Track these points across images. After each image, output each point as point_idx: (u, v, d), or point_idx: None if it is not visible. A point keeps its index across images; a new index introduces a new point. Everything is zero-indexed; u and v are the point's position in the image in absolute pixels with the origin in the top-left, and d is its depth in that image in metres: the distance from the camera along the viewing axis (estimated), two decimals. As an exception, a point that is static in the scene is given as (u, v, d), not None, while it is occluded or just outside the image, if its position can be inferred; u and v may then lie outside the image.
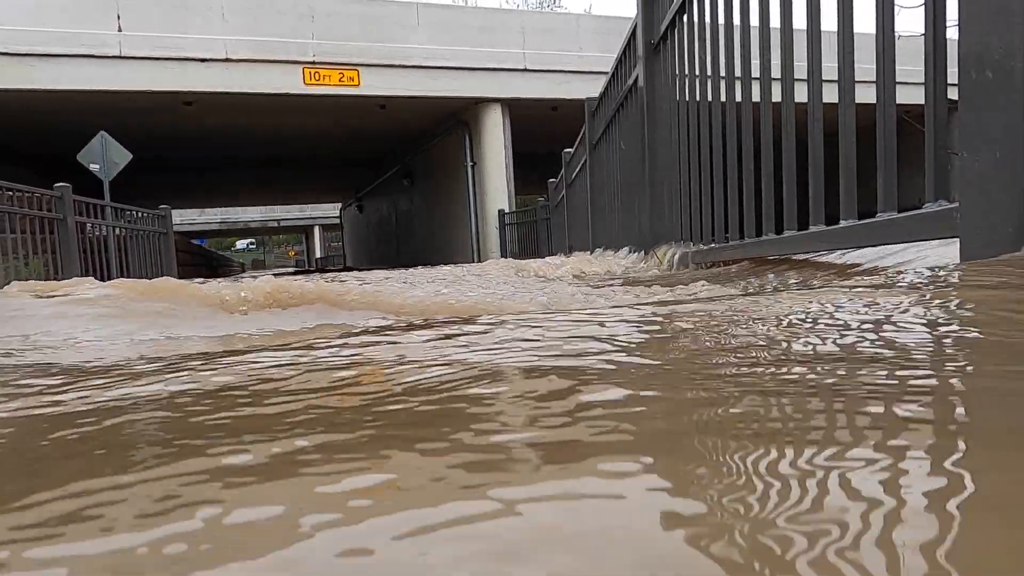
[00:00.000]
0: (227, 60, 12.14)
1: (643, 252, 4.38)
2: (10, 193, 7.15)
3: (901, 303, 1.08)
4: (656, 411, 0.58)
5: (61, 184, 8.13)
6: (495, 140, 14.42)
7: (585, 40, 14.38)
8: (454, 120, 15.17)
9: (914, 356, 0.74)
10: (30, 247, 7.45)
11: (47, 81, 11.15)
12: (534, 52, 14.16)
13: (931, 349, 0.79)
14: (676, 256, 3.69)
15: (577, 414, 0.57)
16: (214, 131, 15.48)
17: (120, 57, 11.48)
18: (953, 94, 1.70)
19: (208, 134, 15.76)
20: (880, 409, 0.54)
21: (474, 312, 1.92)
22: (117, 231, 9.85)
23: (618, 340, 0.92)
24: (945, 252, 1.70)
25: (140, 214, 10.79)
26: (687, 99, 3.55)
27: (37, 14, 11.01)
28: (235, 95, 12.49)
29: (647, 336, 1.03)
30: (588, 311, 1.34)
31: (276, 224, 47.22)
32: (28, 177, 8.33)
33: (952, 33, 1.70)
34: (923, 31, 1.73)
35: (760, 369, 0.71)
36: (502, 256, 13.58)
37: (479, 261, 13.42)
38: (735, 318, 1.10)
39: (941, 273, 1.39)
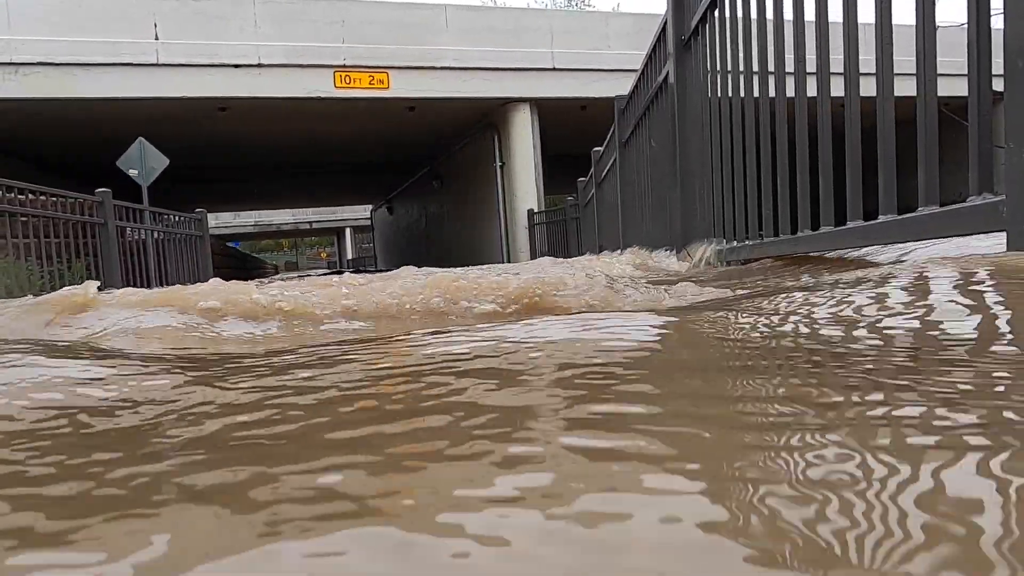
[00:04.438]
0: (260, 66, 12.35)
1: (675, 250, 4.34)
2: (53, 199, 7.36)
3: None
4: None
5: (102, 189, 8.34)
6: (524, 140, 14.43)
7: (614, 38, 14.31)
8: (483, 121, 15.21)
9: None
10: (72, 252, 7.66)
11: (88, 90, 11.46)
12: (562, 51, 14.13)
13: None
14: (709, 254, 3.65)
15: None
16: (248, 136, 15.75)
17: (157, 65, 11.75)
18: (997, 85, 1.65)
19: (242, 139, 16.04)
20: None
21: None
22: (155, 235, 10.07)
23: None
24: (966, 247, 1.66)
25: (177, 218, 11.02)
26: (719, 95, 3.51)
27: (78, 24, 11.32)
28: (268, 100, 12.70)
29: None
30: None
31: (308, 226, 47.89)
32: (67, 186, 8.55)
33: (996, 22, 1.66)
34: (965, 20, 1.69)
35: None
36: (531, 257, 13.58)
37: (508, 261, 13.43)
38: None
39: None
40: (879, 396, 0.63)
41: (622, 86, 6.93)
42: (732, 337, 1.08)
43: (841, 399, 0.62)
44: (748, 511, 0.40)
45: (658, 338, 1.02)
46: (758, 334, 1.06)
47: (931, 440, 0.50)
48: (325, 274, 9.16)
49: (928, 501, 0.40)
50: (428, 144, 18.05)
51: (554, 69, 14.11)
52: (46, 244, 7.04)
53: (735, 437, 0.54)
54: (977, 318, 0.99)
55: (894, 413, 0.57)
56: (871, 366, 0.77)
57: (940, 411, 0.56)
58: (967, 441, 0.49)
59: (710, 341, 1.05)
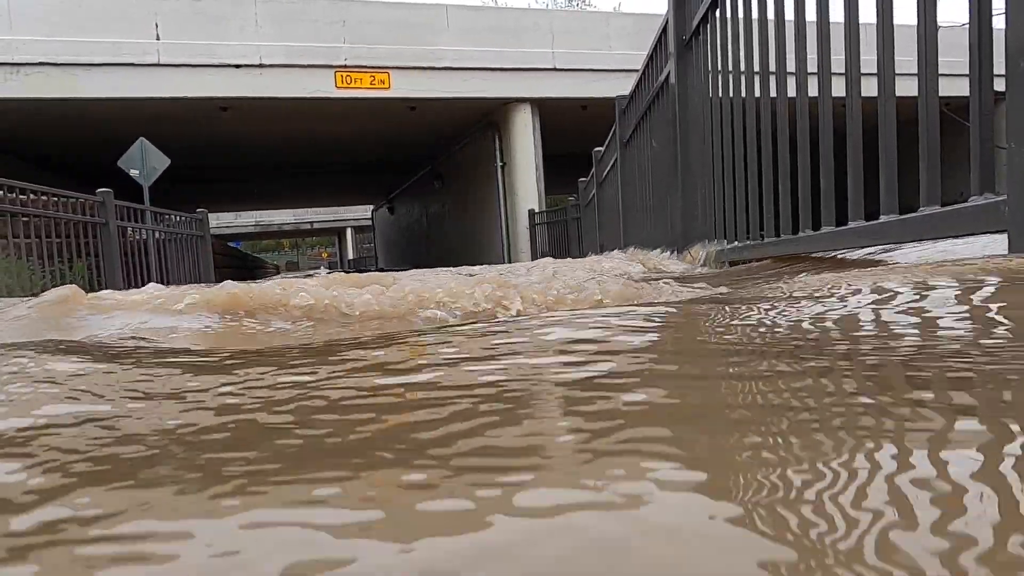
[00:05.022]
0: (261, 66, 12.35)
1: (676, 251, 4.34)
2: (55, 199, 7.36)
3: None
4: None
5: (103, 189, 8.34)
6: (525, 140, 14.42)
7: (615, 38, 14.30)
8: (484, 121, 15.21)
9: None
10: (73, 251, 7.66)
11: (90, 90, 11.46)
12: (563, 51, 14.13)
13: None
14: (710, 254, 3.65)
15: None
16: (249, 136, 15.76)
17: (158, 65, 11.76)
18: (999, 85, 1.65)
19: (243, 139, 16.04)
20: None
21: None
22: (156, 235, 10.07)
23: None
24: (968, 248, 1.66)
25: (178, 218, 11.01)
26: (720, 95, 3.51)
27: (79, 24, 11.33)
28: (269, 100, 12.70)
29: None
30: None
31: (309, 226, 47.88)
32: (68, 185, 8.56)
33: (997, 22, 1.66)
34: (966, 21, 1.69)
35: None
36: (532, 258, 13.57)
37: (509, 262, 13.43)
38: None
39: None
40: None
41: (623, 86, 6.93)
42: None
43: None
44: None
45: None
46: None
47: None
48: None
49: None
50: (429, 144, 18.05)
51: (555, 69, 14.10)
52: (47, 244, 7.04)
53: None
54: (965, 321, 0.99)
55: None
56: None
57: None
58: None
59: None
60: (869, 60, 2.07)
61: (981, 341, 0.85)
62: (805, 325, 1.06)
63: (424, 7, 13.57)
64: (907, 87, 1.82)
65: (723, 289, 2.10)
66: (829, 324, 1.06)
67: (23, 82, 11.12)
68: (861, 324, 1.04)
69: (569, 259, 6.94)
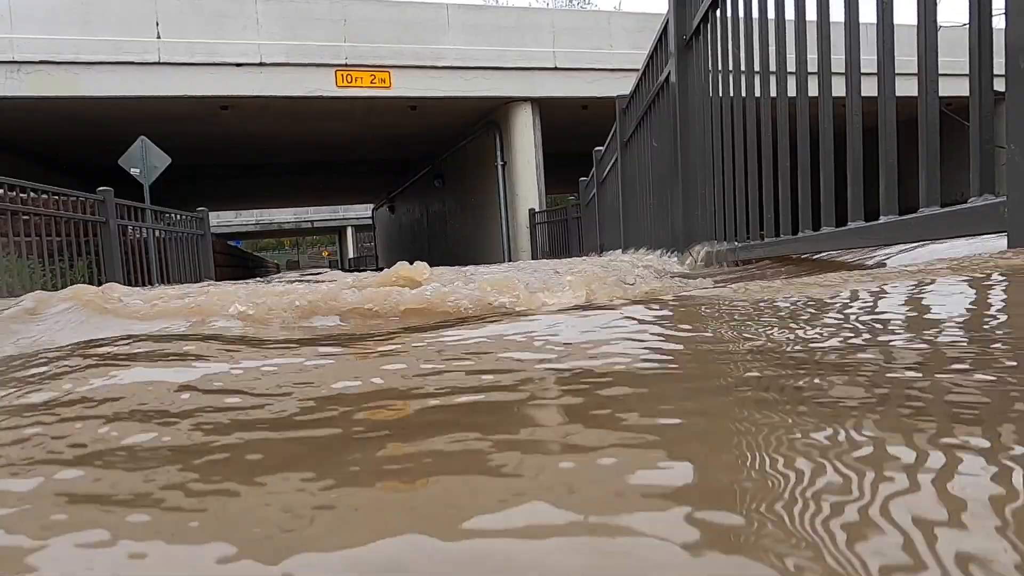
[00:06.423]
0: (261, 64, 12.35)
1: (676, 251, 4.34)
2: (55, 197, 7.37)
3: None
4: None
5: (104, 188, 8.34)
6: (526, 139, 14.41)
7: (616, 38, 14.30)
8: (485, 120, 15.20)
9: None
10: (74, 250, 7.66)
11: (90, 88, 11.46)
12: (564, 51, 14.12)
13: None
14: (710, 254, 3.65)
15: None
16: (249, 135, 15.75)
17: (159, 63, 11.76)
18: (999, 85, 1.65)
19: (244, 138, 16.04)
20: None
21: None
22: (157, 233, 10.07)
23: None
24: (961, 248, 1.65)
25: (178, 217, 11.02)
26: (720, 95, 3.50)
27: (80, 23, 11.33)
28: (269, 98, 12.69)
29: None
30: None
31: (309, 225, 47.88)
32: (69, 184, 8.56)
33: (998, 22, 1.66)
34: (967, 20, 1.68)
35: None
36: (532, 257, 13.58)
37: (510, 261, 13.43)
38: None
39: None
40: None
41: (624, 85, 6.93)
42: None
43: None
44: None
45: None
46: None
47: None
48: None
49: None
50: (430, 143, 18.04)
51: (556, 68, 14.09)
52: (48, 242, 7.05)
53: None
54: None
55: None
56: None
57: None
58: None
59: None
60: (869, 60, 2.07)
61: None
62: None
63: (425, 6, 13.56)
64: (907, 87, 1.82)
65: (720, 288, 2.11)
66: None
67: (24, 81, 11.13)
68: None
69: (565, 259, 6.97)
